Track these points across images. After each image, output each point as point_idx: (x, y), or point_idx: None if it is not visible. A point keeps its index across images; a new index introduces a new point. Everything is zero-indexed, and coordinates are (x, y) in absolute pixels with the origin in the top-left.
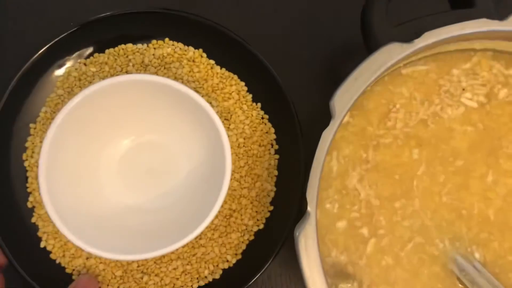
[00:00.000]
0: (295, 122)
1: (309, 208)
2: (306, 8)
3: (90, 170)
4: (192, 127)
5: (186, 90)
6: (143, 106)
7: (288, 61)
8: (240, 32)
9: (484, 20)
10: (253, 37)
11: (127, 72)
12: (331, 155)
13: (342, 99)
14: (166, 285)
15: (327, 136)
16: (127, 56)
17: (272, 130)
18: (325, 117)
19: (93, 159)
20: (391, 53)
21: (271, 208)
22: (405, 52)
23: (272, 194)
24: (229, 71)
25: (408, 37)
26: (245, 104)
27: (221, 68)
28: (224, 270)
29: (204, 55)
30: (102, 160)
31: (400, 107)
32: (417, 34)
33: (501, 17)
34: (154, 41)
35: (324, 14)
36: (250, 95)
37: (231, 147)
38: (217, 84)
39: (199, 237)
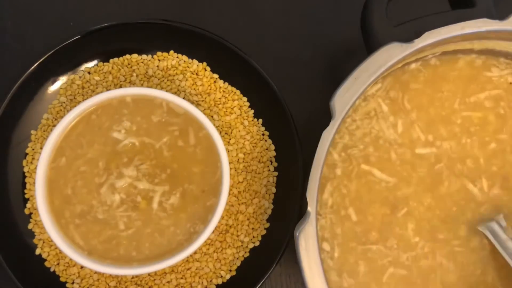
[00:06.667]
0: (295, 141)
1: (309, 208)
2: (306, 8)
3: None
4: None
5: (187, 105)
6: None
7: (289, 61)
8: (239, 34)
9: (484, 20)
10: (253, 39)
11: (130, 82)
12: None
13: (342, 99)
14: None
15: (327, 136)
16: (131, 67)
17: (272, 147)
18: (325, 117)
19: None
20: (391, 53)
21: (267, 225)
22: (405, 52)
23: (269, 211)
24: (232, 85)
25: (408, 37)
26: (247, 119)
27: (224, 82)
28: (217, 286)
29: (208, 68)
30: None
31: None
32: (417, 34)
33: (501, 17)
34: (159, 53)
35: (324, 14)
36: (252, 111)
37: (231, 162)
38: (220, 98)
39: (194, 251)
